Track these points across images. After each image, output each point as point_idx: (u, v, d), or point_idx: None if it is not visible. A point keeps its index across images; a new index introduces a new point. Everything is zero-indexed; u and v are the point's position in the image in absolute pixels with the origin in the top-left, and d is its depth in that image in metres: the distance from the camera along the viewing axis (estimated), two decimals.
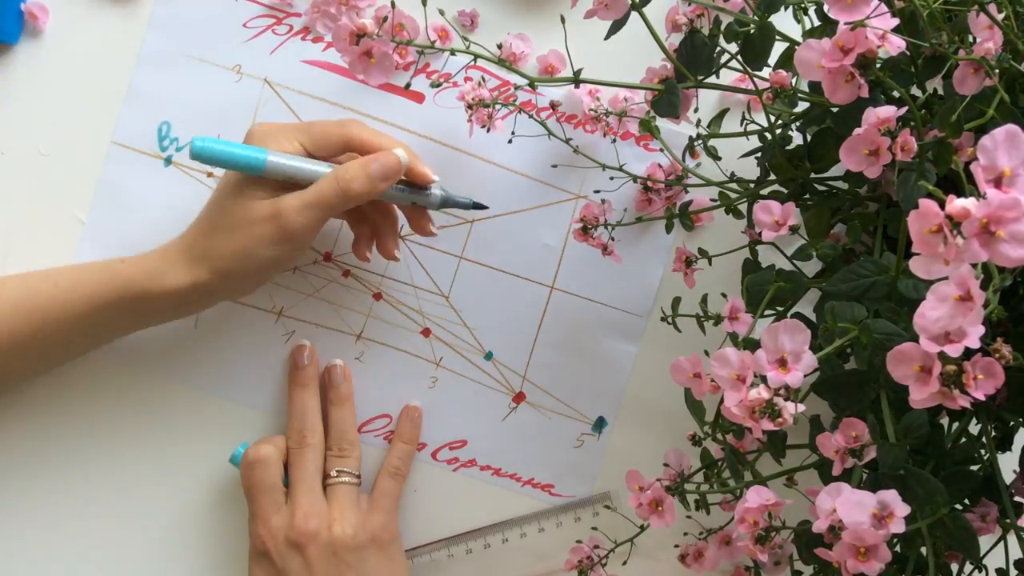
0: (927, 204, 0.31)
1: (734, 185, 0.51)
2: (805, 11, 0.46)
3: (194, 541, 0.56)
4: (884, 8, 0.37)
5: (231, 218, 0.48)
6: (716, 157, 0.53)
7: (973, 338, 0.31)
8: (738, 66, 0.46)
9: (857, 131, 0.39)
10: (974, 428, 0.45)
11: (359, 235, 0.54)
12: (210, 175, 0.56)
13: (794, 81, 0.45)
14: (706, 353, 0.47)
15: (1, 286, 0.50)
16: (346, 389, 0.56)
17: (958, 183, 0.32)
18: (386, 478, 0.55)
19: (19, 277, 0.51)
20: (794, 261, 0.46)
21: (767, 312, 0.44)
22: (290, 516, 0.51)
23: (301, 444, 0.54)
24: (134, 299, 0.49)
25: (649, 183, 0.55)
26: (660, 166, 0.56)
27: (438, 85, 0.53)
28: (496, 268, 0.58)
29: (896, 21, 0.37)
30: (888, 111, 0.38)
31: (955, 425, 0.45)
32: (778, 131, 0.47)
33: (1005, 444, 0.47)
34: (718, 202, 0.52)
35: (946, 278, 0.31)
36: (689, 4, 0.46)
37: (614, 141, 0.56)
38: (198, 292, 0.50)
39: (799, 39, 0.45)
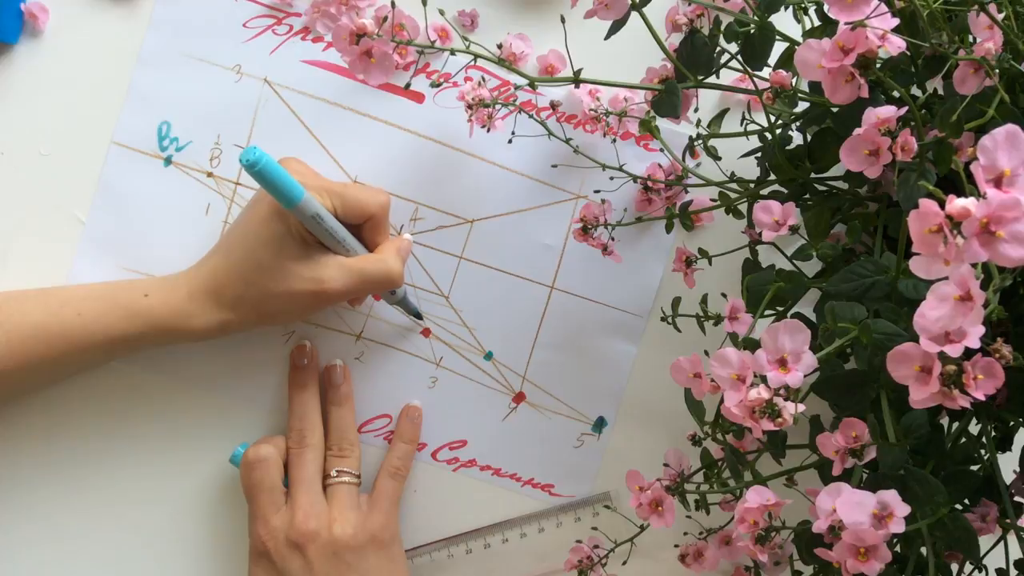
0: (927, 204, 0.31)
1: (734, 185, 0.51)
2: (805, 11, 0.46)
3: (194, 541, 0.56)
4: (884, 8, 0.37)
5: (269, 279, 0.49)
6: (716, 157, 0.53)
7: (973, 338, 0.31)
8: (738, 66, 0.46)
9: (857, 131, 0.39)
10: (974, 428, 0.45)
11: None
12: (209, 175, 0.56)
13: (794, 81, 0.45)
14: (706, 353, 0.47)
15: (21, 306, 0.49)
16: (346, 389, 0.56)
17: (958, 183, 0.32)
18: (386, 478, 0.55)
19: (39, 298, 0.50)
20: (794, 261, 0.46)
21: (767, 312, 0.44)
22: (290, 516, 0.51)
23: (301, 444, 0.54)
24: (159, 335, 0.50)
25: (649, 183, 0.55)
26: (660, 166, 0.56)
27: (438, 85, 0.53)
28: (496, 268, 0.58)
29: (896, 21, 0.37)
30: (888, 111, 0.38)
31: (955, 425, 0.45)
32: (778, 131, 0.47)
33: (1005, 444, 0.47)
34: (718, 202, 0.52)
35: (946, 278, 0.31)
36: (689, 4, 0.46)
37: (614, 141, 0.56)
38: (224, 331, 0.51)
39: (799, 39, 0.45)
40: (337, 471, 0.54)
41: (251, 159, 0.45)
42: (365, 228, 0.52)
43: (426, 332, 0.58)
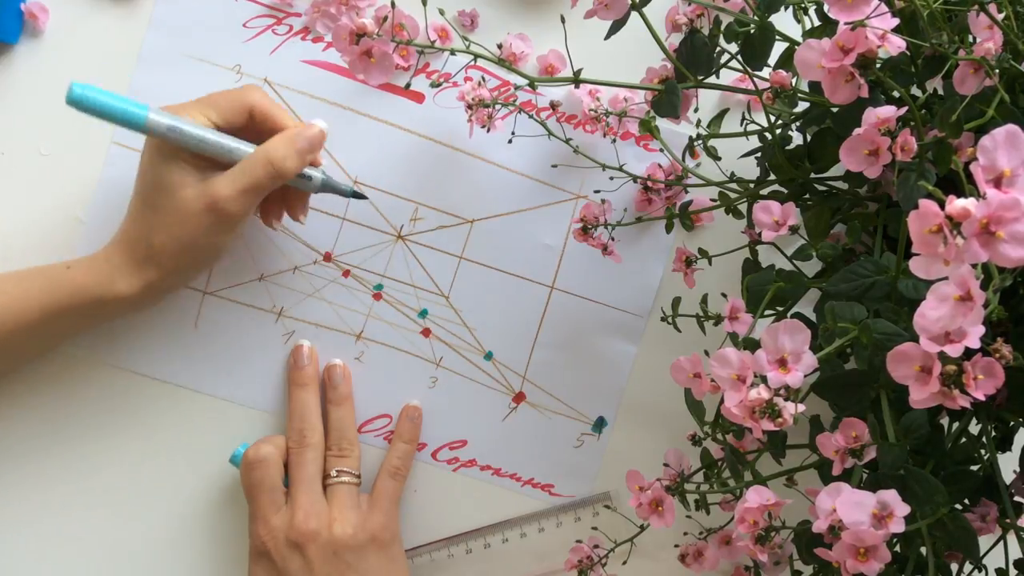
0: (927, 204, 0.31)
1: (734, 185, 0.51)
2: (805, 11, 0.46)
3: (194, 541, 0.56)
4: (884, 8, 0.37)
5: (166, 214, 0.48)
6: (716, 157, 0.53)
7: (973, 338, 0.31)
8: (738, 66, 0.46)
9: (857, 131, 0.39)
10: (974, 428, 0.45)
11: (268, 204, 0.53)
12: None
13: (794, 81, 0.45)
14: (706, 353, 0.47)
15: None
16: (346, 389, 0.56)
17: (958, 183, 0.32)
18: (386, 478, 0.55)
19: None
20: (794, 261, 0.46)
21: (767, 312, 0.44)
22: (290, 516, 0.51)
23: (301, 444, 0.54)
24: (87, 306, 0.49)
25: (649, 183, 0.55)
26: (660, 166, 0.56)
27: (438, 85, 0.53)
28: (496, 268, 0.58)
29: (896, 21, 0.37)
30: (888, 111, 0.38)
31: (955, 425, 0.45)
32: (778, 131, 0.47)
33: (1005, 444, 0.47)
34: (718, 202, 0.52)
35: (946, 278, 0.31)
36: (689, 4, 0.46)
37: (614, 141, 0.56)
38: (151, 291, 0.50)
39: (799, 39, 0.45)
40: (337, 471, 0.54)
41: (75, 95, 0.43)
42: (261, 125, 0.50)
43: (426, 332, 0.58)
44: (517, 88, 0.51)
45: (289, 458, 0.54)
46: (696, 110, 0.52)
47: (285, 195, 0.52)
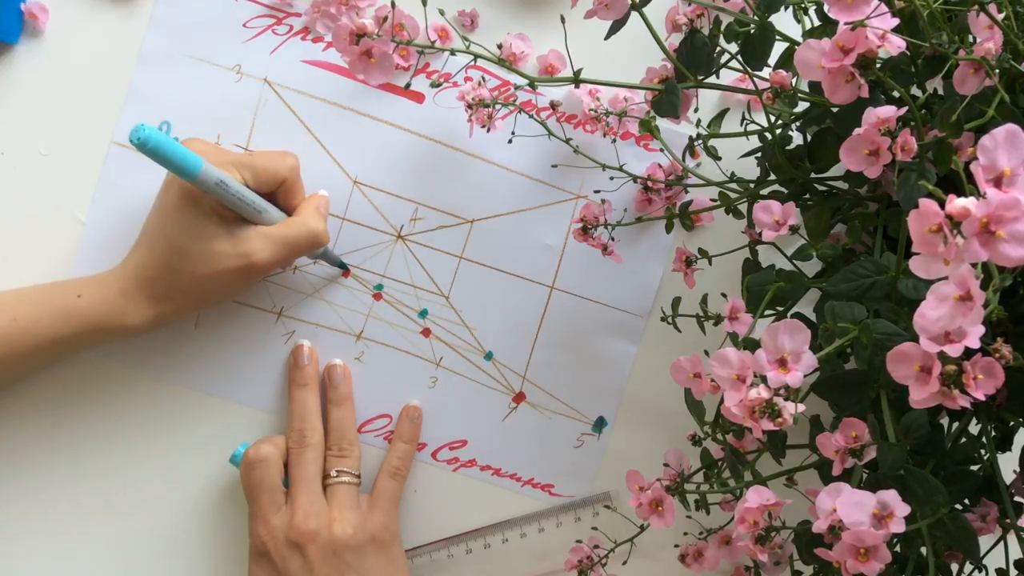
0: (927, 204, 0.31)
1: (734, 185, 0.51)
2: (805, 11, 0.46)
3: (194, 541, 0.56)
4: (884, 8, 0.37)
5: (194, 261, 0.49)
6: (716, 157, 0.53)
7: (973, 338, 0.31)
8: (738, 66, 0.46)
9: (857, 131, 0.39)
10: (974, 428, 0.45)
11: None
12: None
13: (794, 81, 0.45)
14: (706, 353, 0.47)
15: None
16: (346, 389, 0.56)
17: (958, 183, 0.32)
18: (386, 478, 0.55)
19: None
20: (794, 261, 0.46)
21: (767, 312, 0.44)
22: (290, 516, 0.51)
23: (301, 444, 0.54)
24: (96, 334, 0.50)
25: (649, 183, 0.55)
26: (660, 166, 0.56)
27: (438, 85, 0.53)
28: (496, 268, 0.58)
29: (896, 21, 0.37)
30: (888, 111, 0.38)
31: (955, 425, 0.45)
32: (778, 131, 0.47)
33: (1005, 444, 0.47)
34: (718, 202, 0.52)
35: (946, 278, 0.31)
36: (689, 4, 0.46)
37: (614, 141, 0.56)
38: (161, 323, 0.51)
39: (799, 39, 0.45)
40: (337, 471, 0.54)
41: (141, 137, 0.44)
42: (279, 193, 0.52)
43: (426, 332, 0.58)
44: (517, 88, 0.51)
45: (289, 458, 0.54)
46: (696, 110, 0.52)
47: None
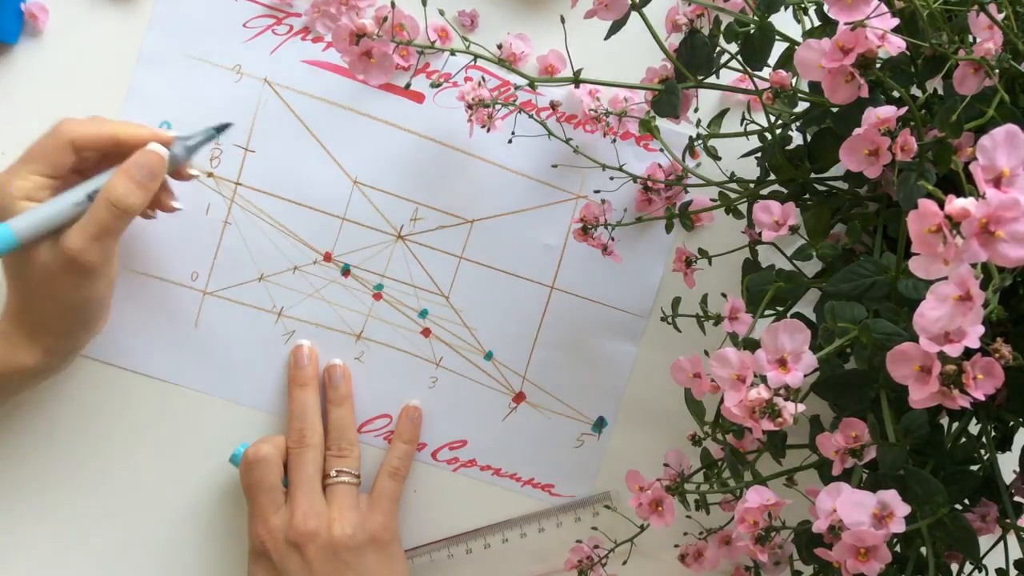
0: (927, 204, 0.31)
1: (734, 185, 0.51)
2: (805, 11, 0.46)
3: (194, 541, 0.56)
4: (884, 8, 0.37)
5: (34, 283, 0.48)
6: (716, 157, 0.53)
7: (973, 338, 0.31)
8: (738, 66, 0.46)
9: (857, 131, 0.39)
10: (974, 428, 0.45)
11: None
12: (210, 175, 0.56)
13: (794, 81, 0.45)
14: (706, 353, 0.47)
15: None
16: (346, 389, 0.56)
17: (958, 183, 0.32)
18: (386, 478, 0.55)
19: None
20: (794, 261, 0.46)
21: (767, 312, 0.44)
22: (289, 516, 0.51)
23: (301, 444, 0.54)
24: None
25: (649, 183, 0.55)
26: (660, 166, 0.56)
27: (438, 85, 0.53)
28: (496, 268, 0.58)
29: (896, 21, 0.37)
30: (888, 111, 0.38)
31: (955, 425, 0.45)
32: (778, 131, 0.47)
33: (1005, 444, 0.47)
34: (718, 202, 0.52)
35: (946, 278, 0.31)
36: (689, 4, 0.46)
37: (614, 141, 0.56)
38: (54, 356, 0.50)
39: (799, 39, 0.45)
40: (337, 471, 0.54)
41: None
42: (97, 149, 0.49)
43: (426, 332, 0.58)
44: (517, 88, 0.51)
45: (289, 458, 0.54)
46: (696, 110, 0.52)
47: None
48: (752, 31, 0.44)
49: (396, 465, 0.56)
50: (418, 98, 0.57)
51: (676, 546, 0.51)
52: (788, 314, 0.46)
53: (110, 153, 0.49)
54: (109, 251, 0.48)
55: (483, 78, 0.56)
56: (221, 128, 0.51)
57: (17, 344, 0.49)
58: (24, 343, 0.49)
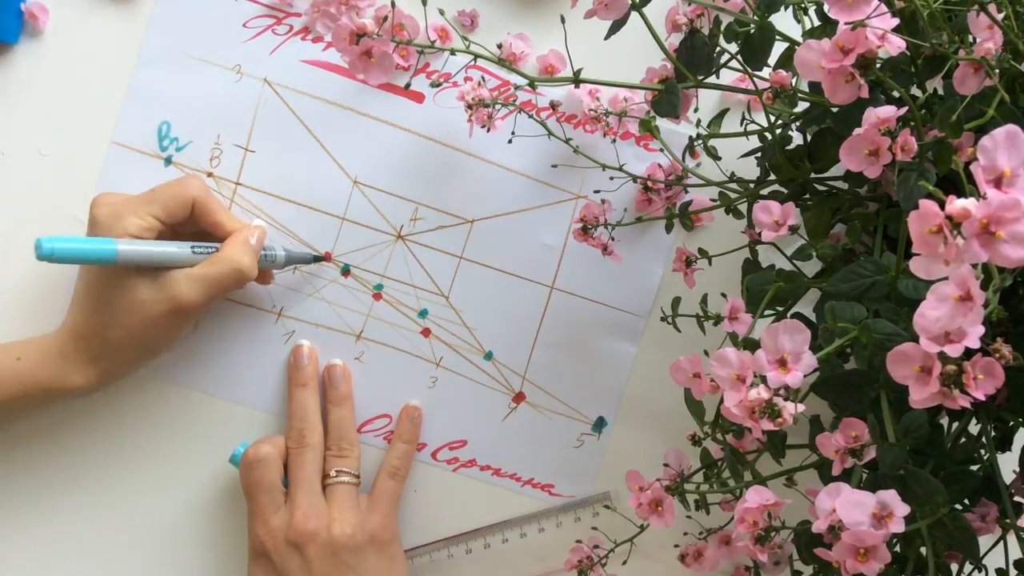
0: (927, 204, 0.31)
1: (734, 185, 0.51)
2: (805, 11, 0.46)
3: (194, 541, 0.56)
4: (884, 8, 0.37)
5: (122, 313, 0.49)
6: (716, 157, 0.53)
7: (973, 338, 0.31)
8: (738, 66, 0.46)
9: (857, 131, 0.38)
10: (974, 428, 0.45)
11: None
12: (210, 175, 0.56)
13: (794, 81, 0.45)
14: (706, 353, 0.47)
15: None
16: (346, 389, 0.56)
17: (958, 183, 0.32)
18: (386, 478, 0.55)
19: None
20: (794, 261, 0.46)
21: (767, 312, 0.44)
22: (289, 516, 0.51)
23: (301, 444, 0.54)
24: (39, 396, 0.50)
25: (649, 183, 0.55)
26: (660, 166, 0.56)
27: (438, 85, 0.53)
28: (496, 268, 0.58)
29: (896, 21, 0.37)
30: (888, 111, 0.38)
31: (955, 425, 0.45)
32: (778, 131, 0.47)
33: (1005, 444, 0.47)
34: (718, 202, 0.52)
35: (946, 278, 0.31)
36: (689, 4, 0.46)
37: (614, 141, 0.56)
38: (106, 380, 0.52)
39: (799, 39, 0.45)
40: (336, 471, 0.54)
41: (47, 253, 0.45)
42: (200, 218, 0.51)
43: (426, 332, 0.58)
44: (517, 88, 0.51)
45: (288, 458, 0.54)
46: (696, 110, 0.52)
47: None
48: (752, 31, 0.44)
49: (396, 465, 0.56)
50: (418, 98, 0.57)
51: (676, 546, 0.51)
52: (788, 314, 0.46)
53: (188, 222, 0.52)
54: (210, 304, 0.51)
55: (483, 78, 0.56)
56: (319, 259, 0.56)
57: (75, 362, 0.50)
58: (82, 363, 0.50)
